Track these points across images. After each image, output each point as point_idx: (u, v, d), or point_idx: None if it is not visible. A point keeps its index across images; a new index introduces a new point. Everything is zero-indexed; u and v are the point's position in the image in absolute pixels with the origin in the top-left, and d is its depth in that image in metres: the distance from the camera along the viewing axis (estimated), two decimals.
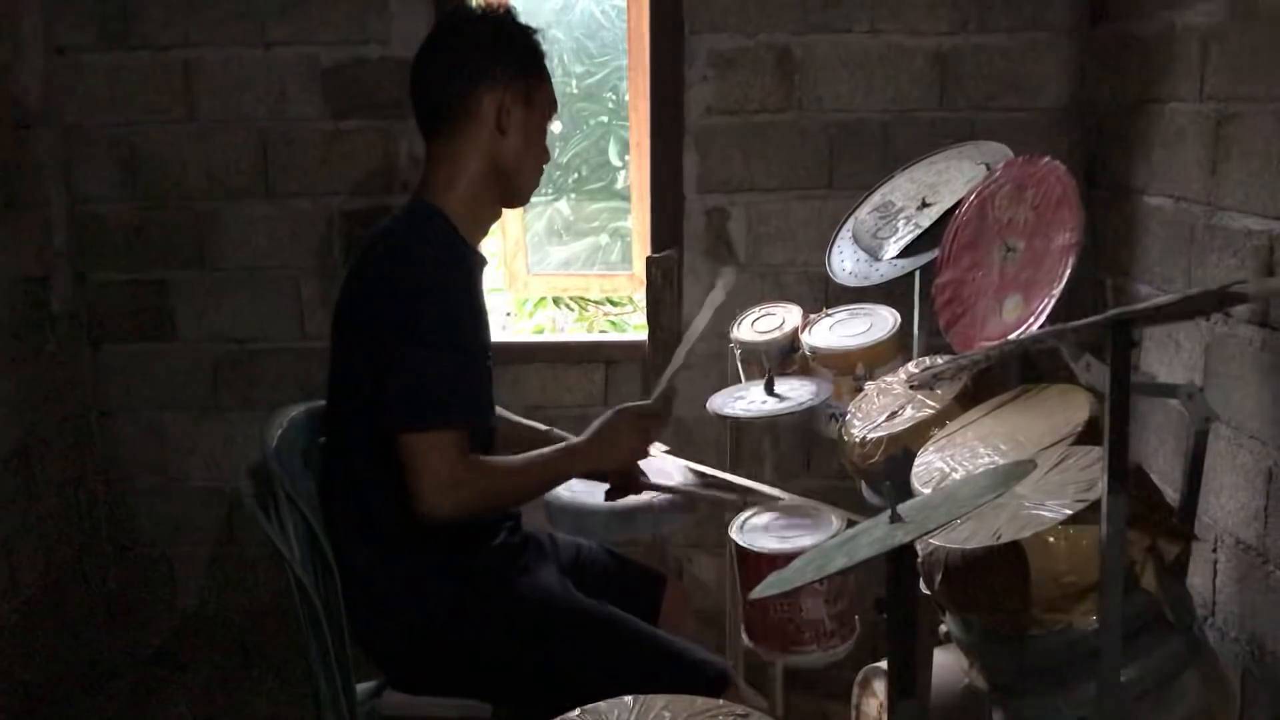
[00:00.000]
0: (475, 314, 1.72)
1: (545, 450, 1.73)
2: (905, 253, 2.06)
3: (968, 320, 1.79)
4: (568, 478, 1.78)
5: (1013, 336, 1.63)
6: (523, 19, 1.76)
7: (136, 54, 2.55)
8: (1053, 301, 1.62)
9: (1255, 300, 1.70)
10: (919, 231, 2.04)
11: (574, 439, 1.78)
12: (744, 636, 1.82)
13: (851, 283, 2.14)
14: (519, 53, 1.71)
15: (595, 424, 1.78)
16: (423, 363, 1.58)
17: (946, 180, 2.10)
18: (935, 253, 1.95)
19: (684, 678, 1.55)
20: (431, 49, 1.73)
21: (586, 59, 3.64)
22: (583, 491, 2.02)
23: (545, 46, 1.76)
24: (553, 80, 1.78)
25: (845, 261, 2.18)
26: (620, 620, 1.69)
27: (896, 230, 2.10)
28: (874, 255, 2.11)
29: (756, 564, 1.74)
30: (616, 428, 1.77)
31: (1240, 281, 1.58)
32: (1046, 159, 1.80)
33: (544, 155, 1.78)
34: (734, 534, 1.81)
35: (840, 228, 2.26)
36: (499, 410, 1.87)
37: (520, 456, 1.71)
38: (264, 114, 2.58)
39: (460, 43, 1.71)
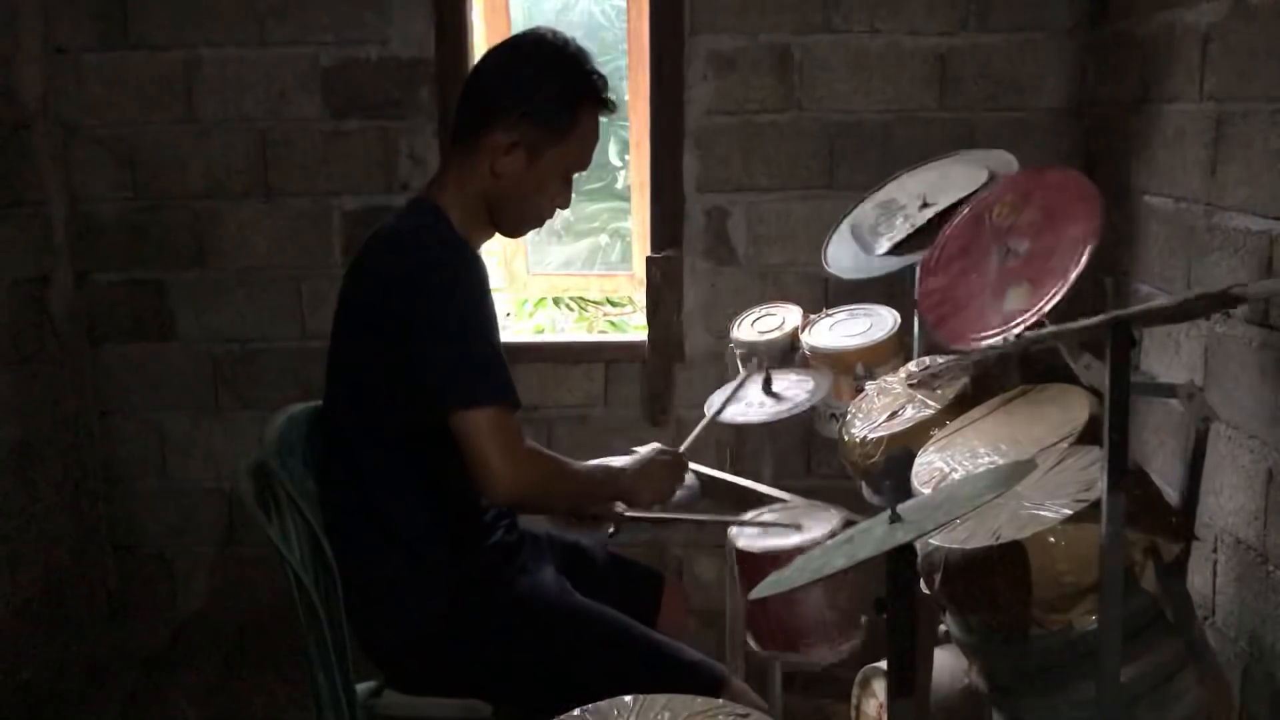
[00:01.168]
0: (491, 306, 1.72)
1: (595, 467, 1.76)
2: (899, 250, 2.06)
3: (960, 318, 1.78)
4: (603, 496, 1.78)
5: (1013, 334, 1.63)
6: (586, 63, 1.66)
7: (136, 54, 2.55)
8: (1066, 285, 1.60)
9: (1255, 301, 1.70)
10: (911, 230, 2.05)
11: (617, 468, 1.78)
12: (750, 640, 1.82)
13: (845, 275, 2.15)
14: (547, 104, 1.63)
15: (640, 454, 1.80)
16: (471, 345, 1.58)
17: (950, 183, 2.11)
18: (927, 251, 1.95)
19: (680, 679, 1.55)
20: (481, 62, 1.70)
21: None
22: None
23: (604, 98, 1.66)
24: (596, 133, 1.69)
25: (841, 255, 2.18)
26: (617, 621, 1.69)
27: (894, 227, 2.10)
28: (868, 250, 2.11)
29: (756, 564, 1.74)
30: (658, 464, 1.80)
31: (1240, 284, 1.58)
32: (1053, 169, 1.80)
33: (545, 207, 1.72)
34: (732, 535, 1.81)
35: (840, 221, 2.26)
36: None
37: (573, 463, 1.72)
38: (264, 114, 2.58)
39: (497, 70, 1.67)
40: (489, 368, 1.58)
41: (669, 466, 1.82)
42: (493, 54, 1.72)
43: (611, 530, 1.80)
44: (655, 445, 1.85)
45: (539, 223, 1.77)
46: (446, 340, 1.57)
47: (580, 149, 1.69)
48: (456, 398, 1.55)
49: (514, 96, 1.63)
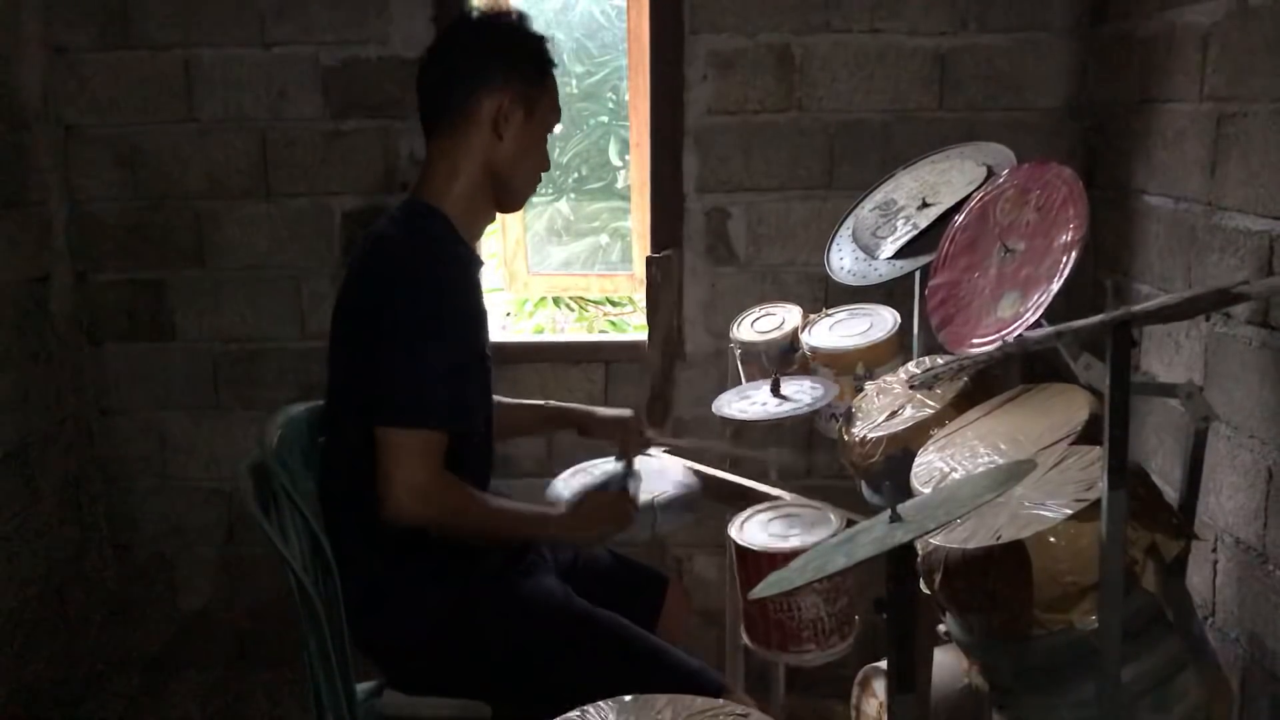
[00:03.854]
0: (474, 314, 1.72)
1: (522, 507, 1.76)
2: (903, 253, 2.06)
3: (961, 319, 1.78)
4: (536, 540, 1.80)
5: (1011, 335, 1.63)
6: (532, 25, 1.75)
7: (136, 54, 2.55)
8: (1050, 296, 1.61)
9: (1257, 299, 1.70)
10: (915, 233, 2.05)
11: (552, 509, 1.79)
12: (744, 636, 1.83)
13: (850, 281, 2.14)
14: (524, 60, 1.71)
15: (575, 499, 1.81)
16: (415, 360, 1.59)
17: (948, 180, 2.10)
18: (933, 255, 1.95)
19: (680, 687, 1.55)
20: (438, 49, 1.74)
21: (586, 59, 3.64)
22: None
23: (554, 55, 1.76)
24: (558, 88, 1.78)
25: (844, 260, 2.18)
26: (618, 626, 1.69)
27: (895, 229, 2.10)
28: (871, 254, 2.11)
29: (756, 563, 1.74)
30: (596, 505, 1.78)
31: (1243, 282, 1.58)
32: (1053, 163, 1.80)
33: (542, 163, 1.78)
34: (733, 533, 1.81)
35: (840, 225, 2.26)
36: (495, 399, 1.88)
37: (497, 500, 1.72)
38: (264, 114, 2.58)
39: (466, 44, 1.71)
40: (421, 386, 1.59)
41: (607, 504, 1.80)
42: (446, 40, 1.76)
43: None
44: (591, 490, 1.86)
45: (536, 185, 1.80)
46: (387, 351, 1.59)
47: (555, 101, 1.76)
48: (382, 414, 1.58)
49: (493, 61, 1.68)
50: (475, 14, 1.80)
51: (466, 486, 1.66)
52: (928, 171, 2.20)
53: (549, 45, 1.75)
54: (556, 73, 1.77)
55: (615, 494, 1.83)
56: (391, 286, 1.60)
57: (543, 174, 1.80)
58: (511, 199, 1.78)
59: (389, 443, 1.57)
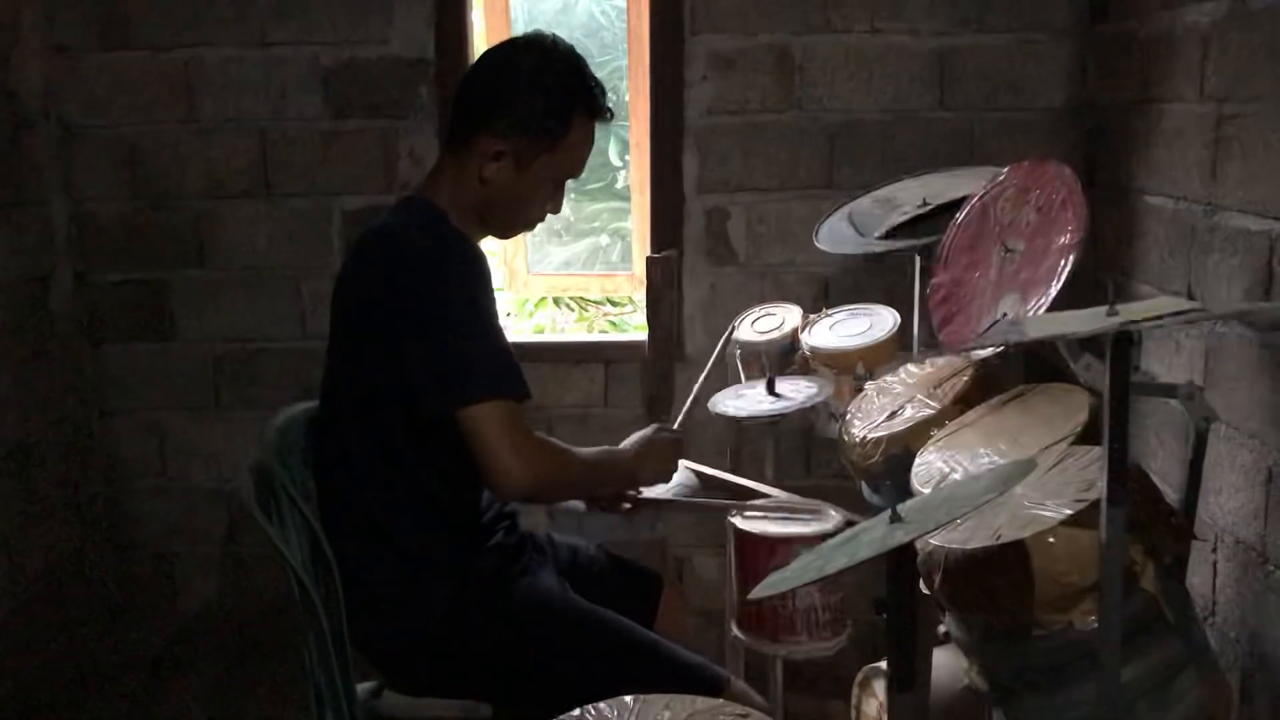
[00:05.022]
0: (493, 299, 1.71)
1: (597, 449, 1.74)
2: (895, 237, 2.07)
3: (962, 319, 1.79)
4: (610, 479, 1.79)
5: (1003, 344, 1.63)
6: (576, 78, 1.65)
7: (136, 54, 2.56)
8: (1049, 299, 1.62)
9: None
10: (914, 213, 2.05)
11: (622, 451, 1.78)
12: (734, 627, 1.82)
13: (836, 250, 2.16)
14: (539, 115, 1.61)
15: (637, 436, 1.80)
16: (469, 339, 1.56)
17: (954, 188, 2.11)
18: (926, 240, 1.96)
19: (681, 681, 1.55)
20: (478, 63, 1.69)
21: (586, 59, 3.64)
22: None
23: (600, 108, 1.66)
24: (586, 145, 1.68)
25: (834, 237, 2.20)
26: (617, 624, 1.69)
27: (891, 220, 2.11)
28: (864, 235, 2.13)
29: (754, 549, 1.73)
30: (656, 445, 1.80)
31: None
32: (1053, 163, 1.79)
33: (535, 213, 1.71)
34: (733, 518, 1.80)
35: (836, 209, 2.27)
36: None
37: (580, 451, 1.71)
38: (264, 114, 2.58)
39: (491, 75, 1.66)
40: (491, 360, 1.56)
41: (668, 444, 1.83)
42: (489, 56, 1.70)
43: (628, 506, 1.85)
44: (654, 426, 1.87)
45: (529, 227, 1.78)
46: (446, 334, 1.55)
47: (572, 157, 1.68)
48: (459, 393, 1.53)
49: (503, 104, 1.62)
50: (532, 41, 1.68)
51: (556, 443, 1.67)
52: (934, 180, 2.21)
53: (586, 98, 1.64)
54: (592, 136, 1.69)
55: (667, 434, 1.85)
56: (417, 278, 1.56)
57: (538, 221, 1.74)
58: (497, 232, 1.76)
59: (478, 423, 1.52)
